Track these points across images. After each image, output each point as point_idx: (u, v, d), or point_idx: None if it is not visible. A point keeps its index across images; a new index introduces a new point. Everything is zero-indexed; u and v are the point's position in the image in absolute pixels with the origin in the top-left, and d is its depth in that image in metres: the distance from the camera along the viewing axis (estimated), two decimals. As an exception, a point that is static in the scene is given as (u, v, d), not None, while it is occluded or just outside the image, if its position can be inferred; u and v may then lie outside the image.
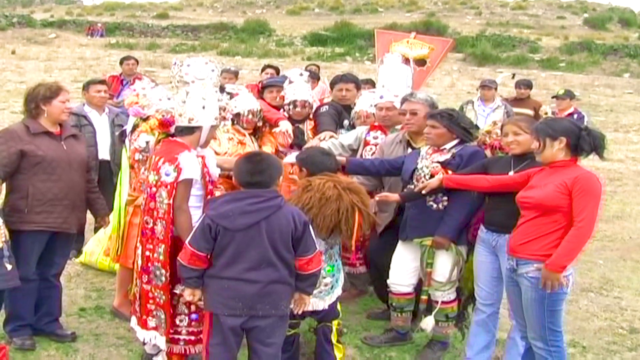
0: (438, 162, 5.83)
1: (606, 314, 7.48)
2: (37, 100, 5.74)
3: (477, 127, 6.18)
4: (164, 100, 6.18)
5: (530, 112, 12.16)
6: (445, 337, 6.12)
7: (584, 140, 4.90)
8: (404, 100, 6.41)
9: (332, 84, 8.33)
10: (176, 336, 5.32)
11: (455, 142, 5.87)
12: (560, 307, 5.01)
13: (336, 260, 5.67)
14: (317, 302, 5.47)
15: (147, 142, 5.98)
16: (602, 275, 8.77)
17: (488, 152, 5.93)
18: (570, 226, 4.82)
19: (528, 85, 12.86)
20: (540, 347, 5.08)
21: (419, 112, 6.22)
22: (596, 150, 4.96)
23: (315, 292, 5.34)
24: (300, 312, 5.14)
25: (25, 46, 37.77)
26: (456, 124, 5.83)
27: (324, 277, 5.48)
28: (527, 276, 4.99)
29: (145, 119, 6.33)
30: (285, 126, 6.94)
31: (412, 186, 5.92)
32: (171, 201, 5.07)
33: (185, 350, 5.34)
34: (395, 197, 5.97)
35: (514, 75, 23.63)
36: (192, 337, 5.31)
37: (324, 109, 7.51)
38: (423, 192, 5.70)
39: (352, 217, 5.30)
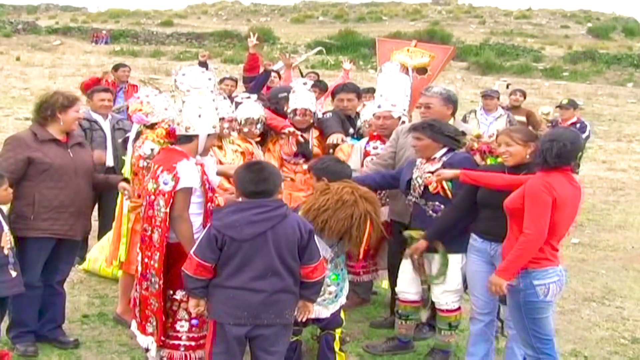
0: (430, 172, 5.86)
1: (608, 323, 7.48)
2: (54, 108, 5.76)
3: (463, 134, 6.19)
4: (170, 109, 6.22)
5: (523, 119, 12.23)
6: (447, 345, 6.13)
7: (539, 153, 4.97)
8: (421, 95, 6.49)
9: (334, 94, 8.37)
10: (176, 342, 5.34)
11: (443, 150, 5.92)
12: (543, 315, 5.06)
13: (341, 270, 5.72)
14: (320, 310, 5.51)
15: (152, 150, 6.01)
16: (604, 284, 8.76)
17: (478, 158, 5.95)
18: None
19: (523, 92, 13.03)
20: (531, 354, 5.15)
21: (432, 105, 6.31)
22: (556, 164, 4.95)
23: (319, 300, 5.38)
24: (303, 320, 5.16)
25: (30, 53, 37.88)
26: (439, 133, 5.87)
27: (329, 286, 5.53)
28: (507, 283, 5.06)
29: (149, 126, 6.37)
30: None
31: (411, 197, 5.97)
32: (168, 210, 5.09)
33: (185, 356, 5.35)
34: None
35: (508, 85, 23.73)
36: (193, 343, 5.34)
37: (327, 115, 7.56)
38: (435, 179, 5.70)
39: (363, 224, 5.36)
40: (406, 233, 6.03)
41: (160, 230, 5.14)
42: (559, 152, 4.86)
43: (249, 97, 7.27)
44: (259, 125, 7.01)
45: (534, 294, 4.98)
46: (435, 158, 5.91)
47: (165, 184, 5.09)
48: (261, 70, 10.86)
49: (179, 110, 5.30)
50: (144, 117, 6.41)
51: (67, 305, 6.40)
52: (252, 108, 7.06)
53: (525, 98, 13.13)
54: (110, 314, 6.82)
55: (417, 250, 5.88)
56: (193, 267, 4.68)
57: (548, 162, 4.90)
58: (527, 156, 5.35)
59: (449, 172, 5.63)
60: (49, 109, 5.78)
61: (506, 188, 5.28)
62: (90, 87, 10.91)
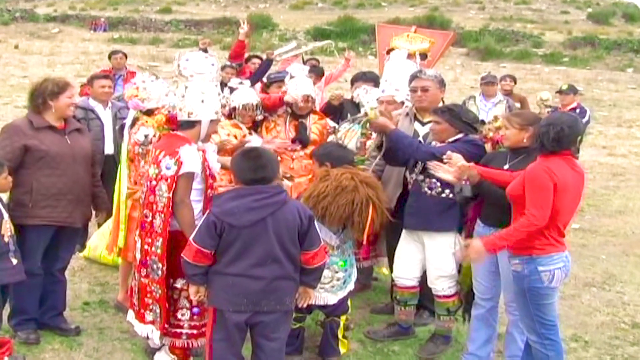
0: None
1: (608, 308, 7.50)
2: (44, 95, 5.74)
3: (482, 122, 6.17)
4: (170, 95, 6.20)
5: (518, 105, 12.19)
6: (447, 331, 6.14)
7: (543, 135, 4.90)
8: (413, 77, 6.42)
9: (353, 82, 8.38)
10: (178, 330, 5.35)
11: (459, 136, 5.87)
12: (547, 300, 5.04)
13: (349, 256, 5.72)
14: (329, 296, 5.54)
15: (146, 136, 6.01)
16: (605, 270, 8.77)
17: (488, 147, 5.94)
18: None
19: (512, 78, 13.00)
20: (534, 340, 5.13)
21: (430, 88, 6.26)
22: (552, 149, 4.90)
23: (327, 286, 5.42)
24: (305, 306, 5.16)
25: (29, 41, 37.75)
26: (457, 118, 5.83)
27: (337, 272, 5.55)
28: (512, 269, 5.10)
29: (146, 112, 6.36)
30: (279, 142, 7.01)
31: (413, 175, 5.97)
32: (171, 195, 5.08)
33: (187, 344, 5.37)
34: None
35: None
36: (195, 331, 5.34)
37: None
38: (445, 157, 5.51)
39: (365, 210, 5.35)
40: (366, 109, 6.25)
41: (162, 215, 5.13)
42: (557, 137, 4.82)
43: (241, 83, 7.25)
44: (257, 111, 7.01)
45: (539, 280, 4.95)
46: (448, 142, 5.89)
47: (168, 168, 5.08)
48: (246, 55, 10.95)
49: (181, 96, 5.28)
50: (140, 103, 6.39)
51: (68, 292, 6.41)
52: (249, 94, 7.05)
53: (515, 83, 13.06)
54: (111, 301, 6.85)
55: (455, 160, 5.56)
56: (192, 254, 4.67)
57: (545, 147, 4.87)
58: (525, 140, 5.33)
59: (464, 163, 5.43)
60: (39, 96, 5.77)
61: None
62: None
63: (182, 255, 4.75)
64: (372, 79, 8.13)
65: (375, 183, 5.57)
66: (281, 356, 5.01)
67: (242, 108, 6.90)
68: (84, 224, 6.44)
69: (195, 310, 5.29)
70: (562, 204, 4.88)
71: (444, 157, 5.47)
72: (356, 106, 7.75)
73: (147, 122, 6.19)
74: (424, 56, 7.86)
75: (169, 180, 5.08)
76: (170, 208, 5.10)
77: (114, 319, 6.50)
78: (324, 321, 5.79)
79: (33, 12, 47.43)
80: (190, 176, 5.14)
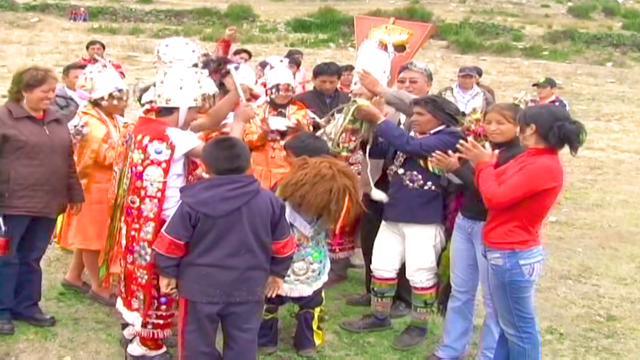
0: None
1: (584, 301, 7.55)
2: (19, 85, 5.71)
3: (463, 114, 6.18)
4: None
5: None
6: (423, 323, 6.16)
7: (552, 133, 4.75)
8: (403, 69, 6.52)
9: (316, 74, 8.28)
10: (145, 319, 5.29)
11: (440, 127, 5.87)
12: (526, 294, 5.05)
13: (323, 247, 5.73)
14: (304, 288, 5.55)
15: (75, 126, 6.02)
16: (581, 262, 8.83)
17: (470, 139, 5.92)
18: (528, 220, 4.90)
19: (478, 71, 12.97)
20: (512, 333, 5.14)
21: (418, 80, 6.41)
22: (569, 145, 4.81)
23: (302, 278, 5.43)
24: (273, 296, 5.16)
25: (7, 30, 37.39)
26: (440, 110, 5.83)
27: (312, 264, 5.55)
28: (491, 263, 5.06)
29: (93, 102, 6.33)
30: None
31: (393, 166, 5.98)
32: (167, 179, 5.03)
33: (152, 334, 5.30)
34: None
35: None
36: (161, 321, 5.29)
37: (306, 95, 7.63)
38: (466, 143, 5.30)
39: (342, 199, 5.35)
40: (354, 99, 6.13)
41: (155, 200, 5.06)
42: (567, 133, 4.75)
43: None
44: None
45: (520, 273, 4.96)
46: (429, 134, 5.88)
47: (159, 152, 5.02)
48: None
49: (160, 82, 5.24)
50: (85, 93, 6.38)
51: (44, 282, 6.40)
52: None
53: (480, 75, 13.04)
54: (86, 291, 6.79)
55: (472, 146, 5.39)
56: (165, 246, 4.65)
57: (553, 143, 4.79)
58: (519, 135, 5.26)
59: (482, 150, 5.27)
60: (16, 86, 5.74)
61: None
62: None
63: (153, 247, 4.73)
64: (336, 72, 8.11)
65: (351, 173, 5.58)
66: (254, 347, 5.02)
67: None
68: (59, 214, 6.40)
69: (162, 299, 5.22)
70: (550, 203, 4.92)
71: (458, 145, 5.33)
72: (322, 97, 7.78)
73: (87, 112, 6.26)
74: (402, 48, 7.85)
75: (163, 164, 5.03)
76: (164, 192, 5.05)
77: (89, 309, 6.49)
78: (298, 313, 5.79)
79: (12, 1, 46.94)
80: (192, 152, 5.13)
